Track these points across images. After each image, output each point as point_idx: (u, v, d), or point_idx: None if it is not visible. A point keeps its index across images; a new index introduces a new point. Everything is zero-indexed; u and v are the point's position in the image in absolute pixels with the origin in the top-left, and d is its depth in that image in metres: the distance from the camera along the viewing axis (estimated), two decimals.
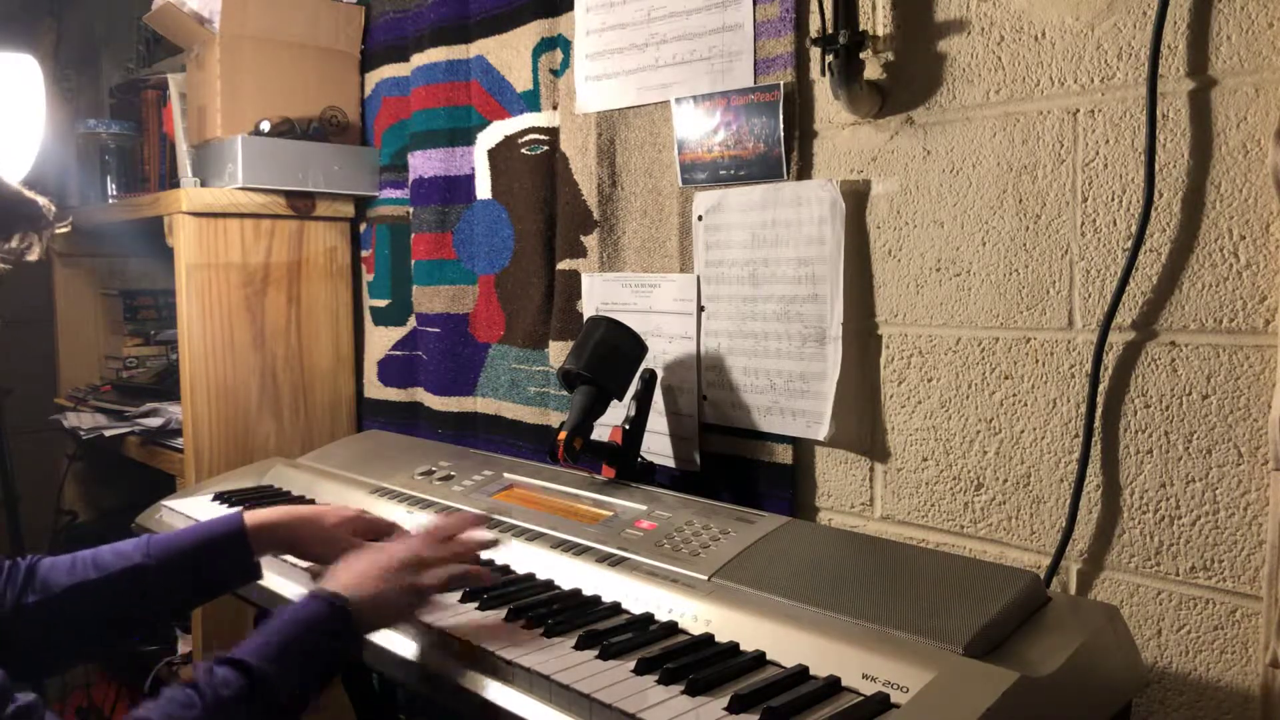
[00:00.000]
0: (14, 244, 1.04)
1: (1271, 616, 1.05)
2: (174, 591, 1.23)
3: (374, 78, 2.21)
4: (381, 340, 2.22)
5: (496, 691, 0.99)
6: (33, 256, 1.07)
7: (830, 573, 1.09)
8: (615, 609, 1.12)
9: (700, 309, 1.56)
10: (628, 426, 1.49)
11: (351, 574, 1.09)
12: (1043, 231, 1.22)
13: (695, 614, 1.07)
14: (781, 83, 1.43)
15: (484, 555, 1.31)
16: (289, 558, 1.33)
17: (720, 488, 1.55)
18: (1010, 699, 0.82)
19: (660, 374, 1.59)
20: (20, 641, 1.14)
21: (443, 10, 1.94)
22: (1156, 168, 1.13)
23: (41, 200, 1.06)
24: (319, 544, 1.28)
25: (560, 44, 1.77)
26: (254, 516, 1.27)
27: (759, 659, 0.98)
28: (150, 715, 0.91)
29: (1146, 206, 1.13)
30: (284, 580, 1.31)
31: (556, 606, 1.12)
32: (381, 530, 1.36)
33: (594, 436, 1.47)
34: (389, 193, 2.18)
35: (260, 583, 1.31)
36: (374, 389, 2.24)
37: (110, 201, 2.46)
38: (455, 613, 1.13)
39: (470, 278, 1.97)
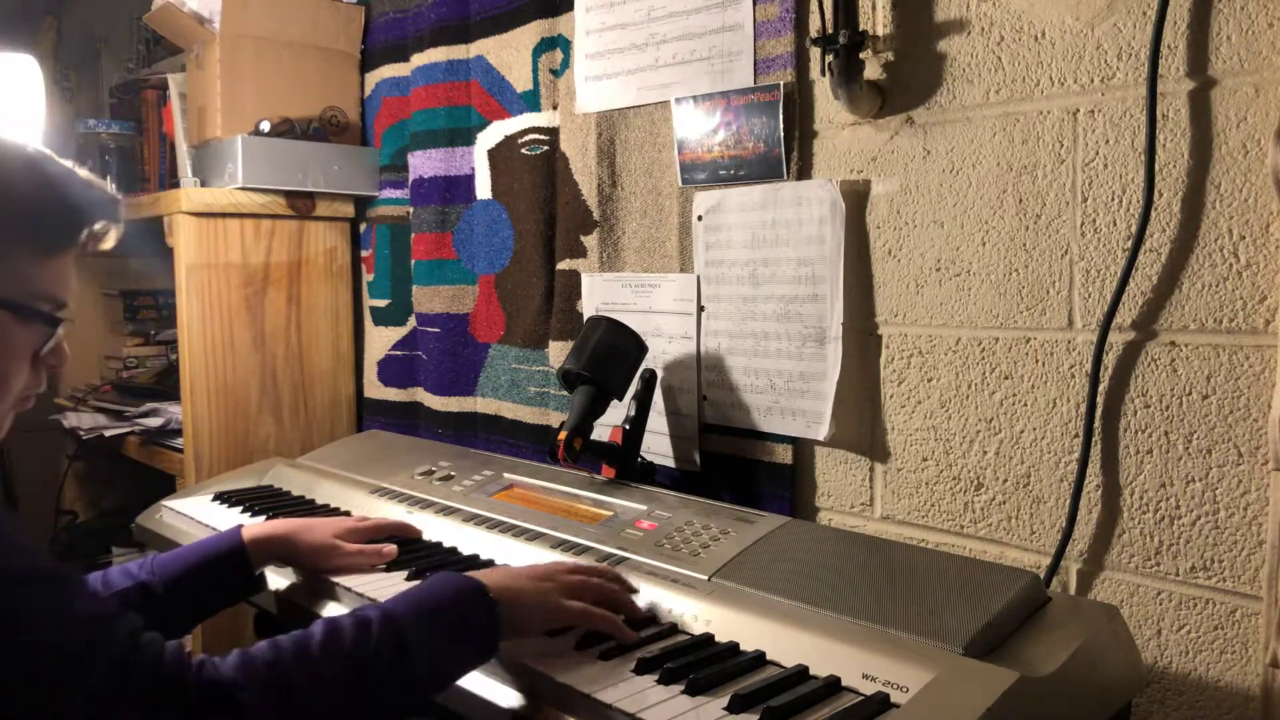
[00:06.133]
0: (96, 229, 1.03)
1: (1271, 616, 1.05)
2: (180, 609, 1.24)
3: (374, 78, 2.21)
4: (381, 340, 2.22)
5: (498, 691, 0.99)
6: (109, 244, 1.06)
7: (830, 573, 1.09)
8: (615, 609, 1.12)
9: (700, 309, 1.56)
10: (628, 426, 1.49)
11: (497, 573, 1.07)
12: (1043, 231, 1.22)
13: (695, 614, 1.07)
14: (781, 83, 1.43)
15: (483, 555, 1.31)
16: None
17: (720, 488, 1.55)
18: (1010, 699, 0.82)
19: (660, 374, 1.59)
20: None
21: (443, 10, 1.94)
22: (1156, 168, 1.13)
23: (109, 187, 1.06)
24: (315, 554, 1.29)
25: (560, 44, 1.77)
26: (252, 531, 1.29)
27: (759, 659, 0.98)
28: (278, 652, 0.91)
29: (1146, 206, 1.13)
30: (283, 580, 1.32)
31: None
32: (382, 533, 1.36)
33: (594, 436, 1.47)
34: (389, 193, 2.18)
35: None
36: (374, 389, 2.24)
37: None
38: None
39: (470, 278, 1.97)
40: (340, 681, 0.92)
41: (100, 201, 1.03)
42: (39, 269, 0.96)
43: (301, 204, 2.14)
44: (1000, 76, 1.25)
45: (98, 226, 1.03)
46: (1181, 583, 1.14)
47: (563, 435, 1.44)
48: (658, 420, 1.60)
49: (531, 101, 1.82)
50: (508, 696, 0.98)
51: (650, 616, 1.08)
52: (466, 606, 1.00)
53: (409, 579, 1.24)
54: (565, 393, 1.54)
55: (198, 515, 1.60)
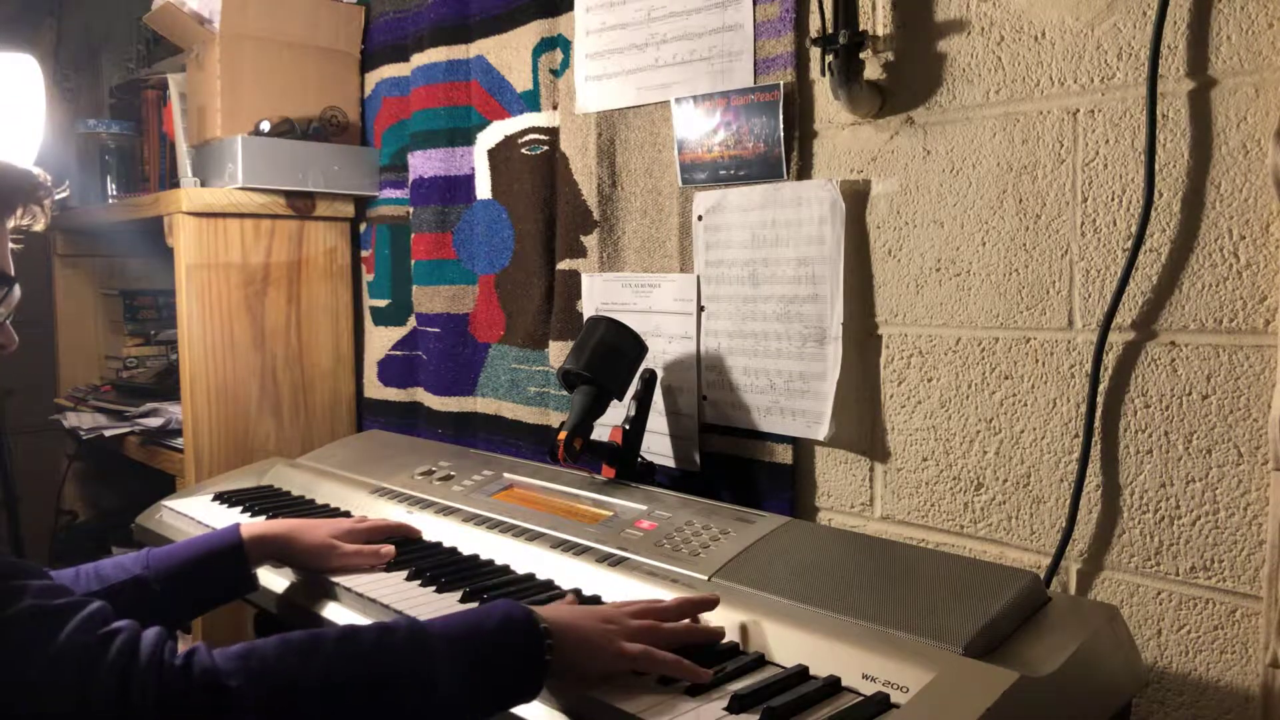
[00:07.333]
0: (19, 219, 1.06)
1: (1271, 616, 1.05)
2: (174, 603, 1.23)
3: (374, 78, 2.21)
4: (381, 340, 2.22)
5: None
6: (39, 227, 1.10)
7: (830, 573, 1.09)
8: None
9: (700, 309, 1.56)
10: (628, 426, 1.49)
11: (554, 608, 0.99)
12: (1043, 231, 1.22)
13: None
14: (781, 83, 1.43)
15: (483, 555, 1.31)
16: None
17: (720, 488, 1.55)
18: (1010, 699, 0.82)
19: (660, 374, 1.59)
20: None
21: (443, 10, 1.94)
22: (1156, 168, 1.13)
23: (36, 171, 1.09)
24: (312, 554, 1.28)
25: (560, 44, 1.77)
26: (250, 529, 1.28)
27: (759, 659, 0.98)
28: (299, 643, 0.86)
29: (1146, 206, 1.13)
30: (283, 580, 1.32)
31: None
32: (380, 534, 1.36)
33: (594, 436, 1.47)
34: (389, 193, 2.18)
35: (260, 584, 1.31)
36: (374, 389, 2.24)
37: (110, 201, 2.46)
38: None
39: (470, 278, 1.97)
40: (351, 688, 0.85)
41: (25, 179, 1.08)
42: None
43: (301, 204, 2.14)
44: (1000, 76, 1.25)
45: (24, 218, 1.06)
46: (1181, 583, 1.14)
47: (563, 435, 1.44)
48: (658, 420, 1.60)
49: (531, 101, 1.82)
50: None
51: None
52: (512, 633, 0.91)
53: (409, 579, 1.24)
54: (565, 393, 1.54)
55: (198, 515, 1.60)
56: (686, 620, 1.03)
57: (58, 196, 1.16)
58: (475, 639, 0.91)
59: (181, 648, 0.86)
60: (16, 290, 1.06)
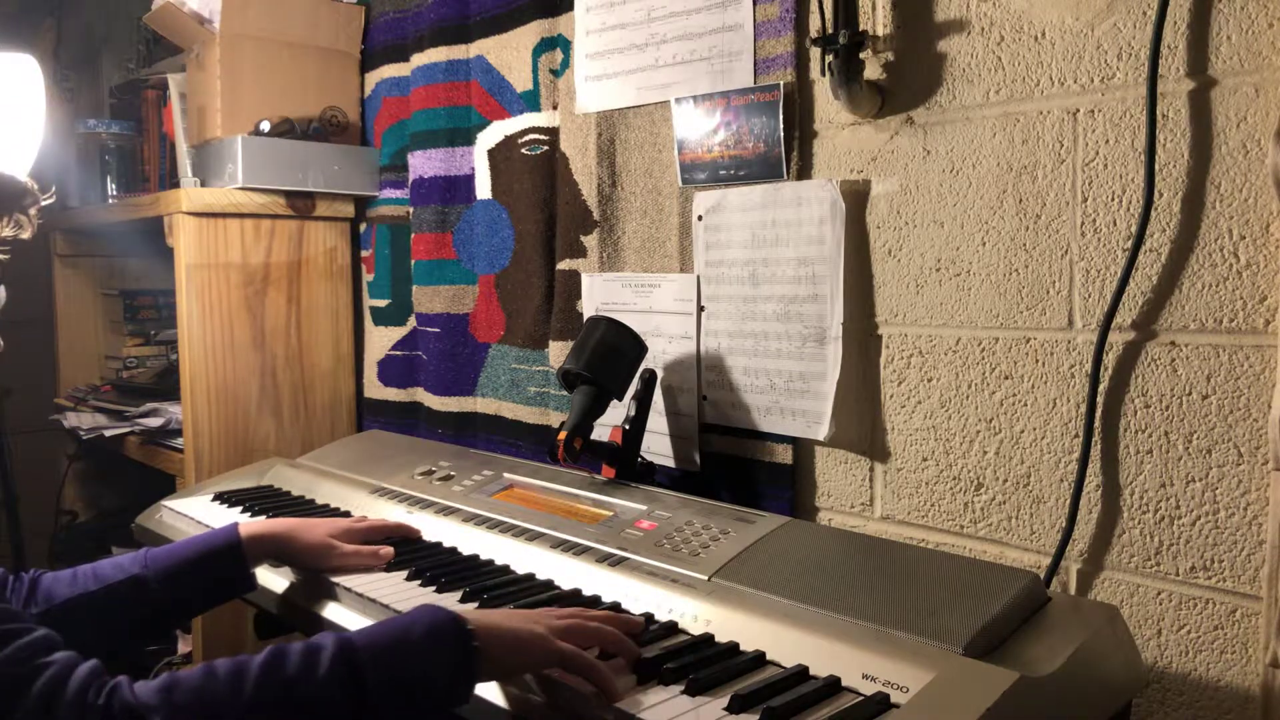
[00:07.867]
0: (4, 228, 1.06)
1: (1271, 616, 1.05)
2: (172, 602, 1.23)
3: (374, 78, 2.21)
4: (381, 340, 2.22)
5: (491, 690, 0.99)
6: (26, 235, 1.09)
7: (830, 573, 1.09)
8: (615, 609, 1.12)
9: (700, 309, 1.56)
10: (628, 426, 1.49)
11: (478, 612, 1.00)
12: (1043, 231, 1.22)
13: (695, 614, 1.07)
14: (781, 83, 1.43)
15: (483, 555, 1.31)
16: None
17: (720, 488, 1.55)
18: (1010, 699, 0.82)
19: (660, 374, 1.59)
20: None
21: (443, 10, 1.94)
22: (1156, 168, 1.13)
23: (23, 179, 1.08)
24: (311, 554, 1.28)
25: (560, 44, 1.77)
26: (248, 528, 1.28)
27: (759, 659, 0.98)
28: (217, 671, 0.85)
29: (1146, 206, 1.13)
30: (283, 580, 1.32)
31: (557, 607, 1.12)
32: (379, 534, 1.36)
33: (594, 436, 1.47)
34: (389, 193, 2.18)
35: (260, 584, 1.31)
36: (374, 389, 2.25)
37: (110, 201, 2.46)
38: None
39: (470, 278, 1.97)
40: (277, 714, 0.85)
41: (12, 186, 1.08)
42: None
43: (301, 204, 2.14)
44: (1000, 76, 1.25)
45: (9, 227, 1.06)
46: (1181, 583, 1.14)
47: (563, 435, 1.44)
48: (658, 420, 1.60)
49: (531, 101, 1.82)
50: (502, 696, 0.97)
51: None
52: (439, 640, 0.92)
53: (409, 579, 1.24)
54: (565, 393, 1.54)
55: (198, 515, 1.60)
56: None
57: (44, 203, 1.15)
58: (402, 649, 0.91)
59: (183, 648, 0.86)
60: (1, 292, 1.05)
